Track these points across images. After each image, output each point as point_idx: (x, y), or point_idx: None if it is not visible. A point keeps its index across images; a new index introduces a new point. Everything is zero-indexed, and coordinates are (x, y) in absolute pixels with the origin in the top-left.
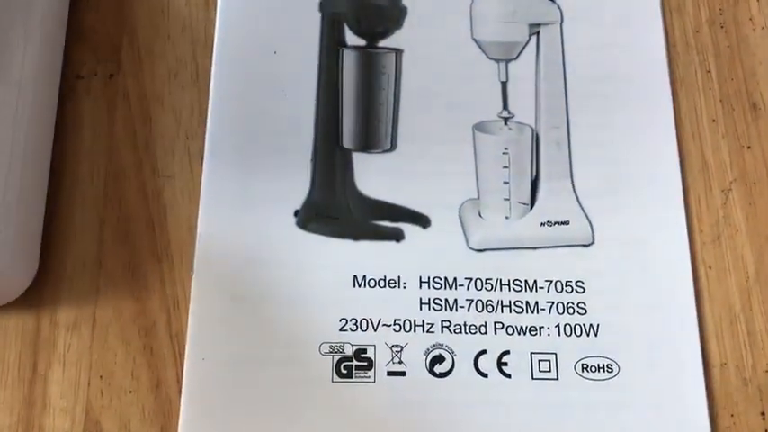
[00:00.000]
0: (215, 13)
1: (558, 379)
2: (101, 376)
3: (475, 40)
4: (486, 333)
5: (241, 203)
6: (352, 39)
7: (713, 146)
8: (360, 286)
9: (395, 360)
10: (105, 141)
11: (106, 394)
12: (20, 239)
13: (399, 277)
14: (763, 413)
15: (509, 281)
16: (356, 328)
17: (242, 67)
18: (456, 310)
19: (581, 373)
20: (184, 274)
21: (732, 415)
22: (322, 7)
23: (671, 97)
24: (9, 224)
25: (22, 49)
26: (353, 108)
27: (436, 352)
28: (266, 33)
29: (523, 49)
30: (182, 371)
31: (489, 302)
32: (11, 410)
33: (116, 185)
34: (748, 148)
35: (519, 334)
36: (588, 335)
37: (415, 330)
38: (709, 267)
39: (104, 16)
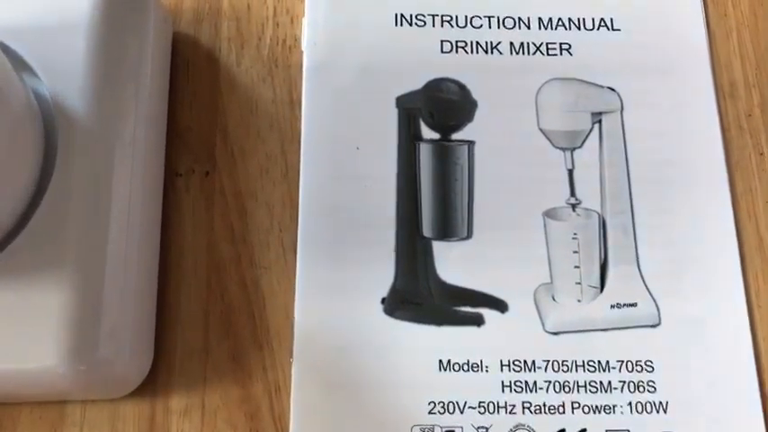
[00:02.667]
0: (299, 110)
1: None
2: None
3: (541, 129)
4: (564, 413)
5: (333, 292)
6: (427, 133)
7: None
8: (445, 370)
9: None
10: (205, 236)
11: None
12: (137, 335)
13: (481, 361)
14: None
15: (583, 362)
16: (444, 411)
17: (328, 162)
18: (536, 391)
19: None
20: (284, 361)
21: None
22: (398, 103)
23: (727, 180)
24: (128, 322)
25: (131, 150)
26: (431, 198)
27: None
28: (348, 129)
29: (587, 137)
30: None
31: (566, 383)
32: None
33: (217, 277)
34: None
35: (594, 413)
36: (658, 412)
37: (498, 412)
38: None
39: (199, 116)
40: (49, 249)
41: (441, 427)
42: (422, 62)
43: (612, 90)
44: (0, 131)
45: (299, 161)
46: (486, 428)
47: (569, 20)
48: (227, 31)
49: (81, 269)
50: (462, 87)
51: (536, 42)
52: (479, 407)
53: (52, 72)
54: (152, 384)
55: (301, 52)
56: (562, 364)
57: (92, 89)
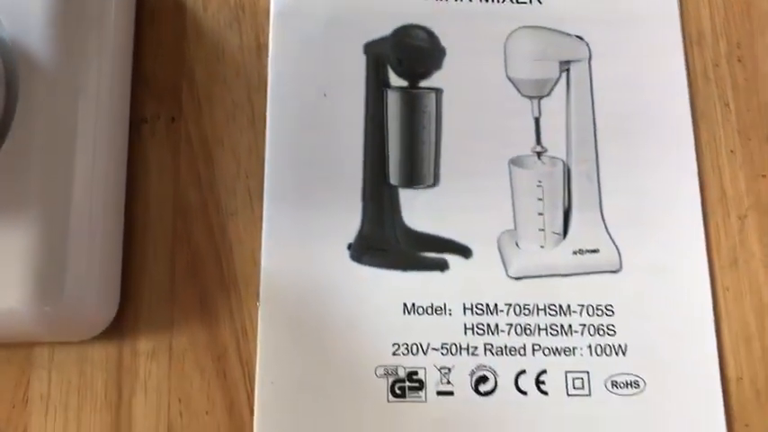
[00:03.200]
0: (266, 57)
1: (590, 395)
2: (179, 400)
3: (509, 77)
4: (525, 354)
5: (299, 238)
6: (395, 80)
7: (731, 175)
8: (409, 314)
9: (443, 381)
10: (171, 182)
11: (185, 416)
12: (104, 278)
13: (445, 304)
14: None
15: (545, 306)
16: (408, 352)
17: (294, 109)
18: (497, 334)
19: (611, 390)
20: (251, 305)
21: (747, 425)
22: (367, 49)
23: (692, 130)
24: (93, 264)
25: (95, 95)
26: (398, 146)
27: (480, 373)
28: (316, 75)
29: (555, 85)
30: (252, 393)
31: (527, 326)
32: None
33: (184, 223)
34: (763, 176)
35: (555, 355)
36: (617, 354)
37: (460, 353)
38: (727, 289)
39: (165, 62)
40: (12, 193)
41: (404, 368)
42: (391, 9)
43: (581, 39)
44: None
45: (265, 108)
46: (449, 369)
47: None
48: None
49: (45, 212)
50: (431, 34)
51: None
52: (442, 348)
53: (12, 16)
54: (119, 327)
55: None
56: (524, 308)
57: (53, 34)
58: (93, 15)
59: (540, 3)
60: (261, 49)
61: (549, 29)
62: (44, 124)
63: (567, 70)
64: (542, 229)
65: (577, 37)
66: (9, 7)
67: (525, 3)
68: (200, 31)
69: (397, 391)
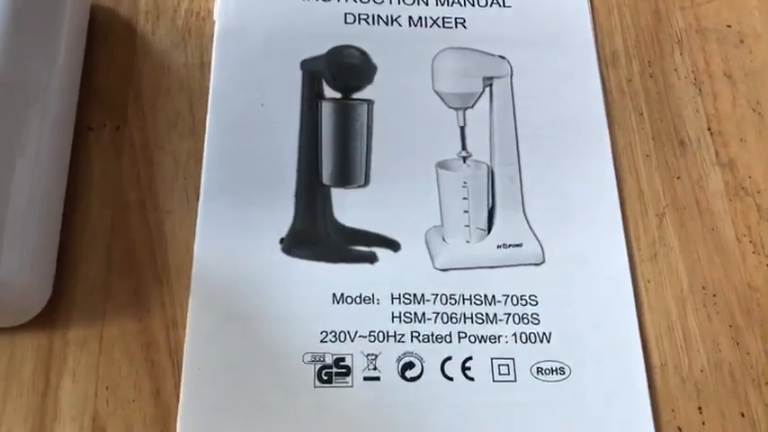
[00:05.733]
0: (209, 72)
1: (515, 381)
2: (107, 387)
3: (436, 91)
4: (451, 342)
5: (233, 233)
6: (329, 93)
7: (647, 177)
8: (338, 303)
9: (370, 367)
10: (113, 182)
11: (111, 403)
12: (37, 265)
13: (373, 294)
14: (699, 408)
15: (470, 296)
16: (335, 340)
17: (233, 117)
18: (424, 322)
19: (536, 376)
20: (182, 297)
21: (672, 410)
22: (303, 66)
23: (608, 137)
24: (28, 251)
25: (42, 105)
26: (331, 150)
27: (407, 359)
28: (254, 88)
29: (479, 98)
30: (179, 381)
31: (453, 315)
32: (25, 419)
33: (122, 220)
34: (678, 178)
35: (480, 342)
36: (542, 342)
37: (387, 340)
38: (648, 281)
39: (114, 77)
40: None
41: (331, 354)
42: (326, 31)
43: (503, 58)
44: None
45: (204, 117)
46: (375, 355)
47: None
48: (145, 5)
49: None
50: (363, 53)
51: (433, 17)
52: (370, 336)
53: None
54: (51, 316)
55: (213, 21)
56: (450, 298)
57: (3, 46)
58: (44, 30)
59: (466, 28)
60: (204, 66)
61: (474, 49)
62: None
63: (491, 85)
64: (467, 226)
65: (500, 56)
66: None
67: (451, 28)
68: (149, 51)
69: (324, 377)
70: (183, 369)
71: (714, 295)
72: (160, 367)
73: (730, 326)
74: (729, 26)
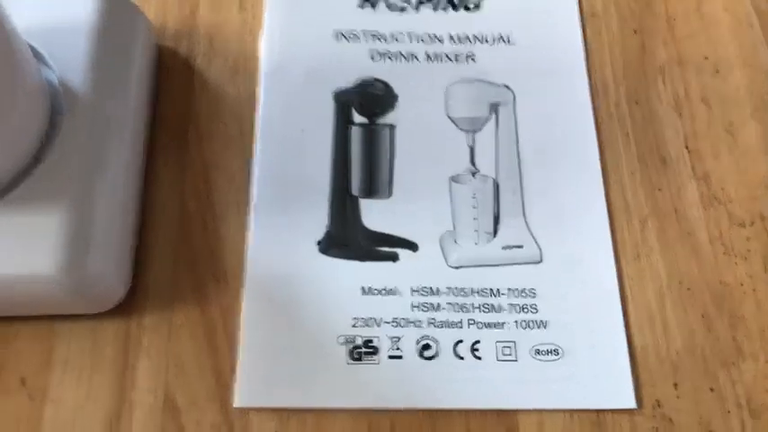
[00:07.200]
0: (255, 103)
1: (517, 361)
2: (175, 365)
3: (449, 116)
4: (461, 327)
5: (278, 237)
6: (358, 118)
7: (632, 190)
8: (366, 294)
9: (394, 348)
10: (177, 194)
11: (179, 378)
12: (119, 262)
13: (396, 287)
14: (675, 384)
15: (479, 289)
16: (364, 325)
17: (278, 141)
18: (439, 310)
19: (535, 356)
20: (235, 290)
21: (652, 386)
22: (335, 96)
23: (598, 154)
24: (112, 250)
25: (122, 131)
26: (360, 167)
27: (425, 342)
28: (295, 117)
29: (486, 122)
30: (234, 360)
31: (464, 305)
32: (110, 391)
33: (186, 226)
34: (659, 190)
35: (487, 328)
36: (540, 328)
37: (408, 326)
38: (632, 278)
39: (176, 107)
40: (54, 186)
41: (361, 337)
42: (355, 67)
43: (507, 87)
44: (21, 99)
45: (252, 142)
46: (398, 338)
47: (474, 36)
48: (202, 46)
49: (77, 203)
50: (386, 85)
51: (447, 53)
52: (393, 322)
53: (60, 62)
54: (128, 305)
55: (259, 61)
56: (461, 291)
57: (90, 78)
58: (122, 66)
59: (475, 61)
60: (251, 98)
61: (482, 80)
62: (81, 140)
63: (496, 110)
64: (476, 230)
65: (505, 86)
66: (57, 54)
67: (463, 62)
68: (205, 85)
69: (355, 356)
70: (239, 350)
71: (689, 289)
72: (218, 348)
73: (702, 316)
74: (707, 58)
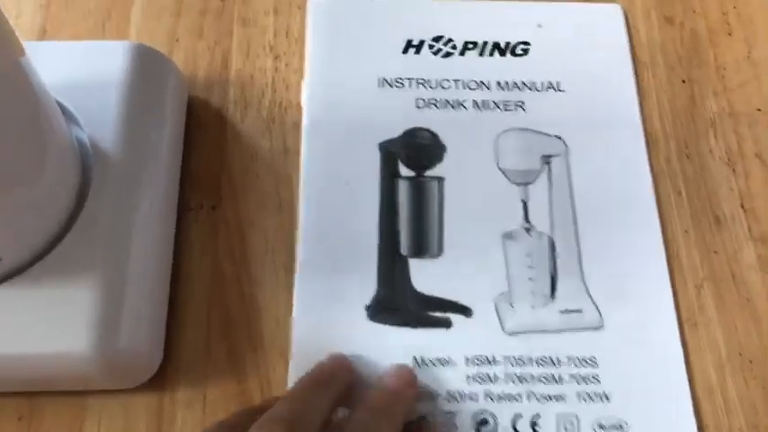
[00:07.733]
0: (292, 156)
1: None
2: None
3: (500, 168)
4: (520, 401)
5: (324, 302)
6: (404, 171)
7: (686, 251)
8: (419, 365)
9: (449, 424)
10: (211, 257)
11: None
12: (150, 335)
13: (450, 357)
14: None
15: (537, 358)
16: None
17: (322, 196)
18: (496, 382)
19: None
20: (275, 361)
21: None
22: (381, 147)
23: (657, 212)
24: (142, 322)
25: (151, 184)
26: (408, 223)
27: (481, 417)
28: (340, 169)
29: (539, 175)
30: None
31: (522, 376)
32: None
33: (220, 291)
34: (714, 252)
35: (547, 401)
36: (602, 401)
37: (464, 400)
38: (690, 348)
39: (208, 162)
40: (83, 256)
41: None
42: (400, 116)
43: (559, 138)
44: (51, 162)
45: (291, 197)
46: (454, 413)
47: (522, 83)
48: (234, 96)
49: (107, 274)
50: (434, 135)
51: (495, 101)
52: (448, 395)
53: (90, 122)
54: (161, 379)
55: (296, 110)
56: (519, 360)
57: (121, 136)
58: (152, 122)
59: (525, 110)
60: (287, 151)
61: (533, 130)
62: (111, 205)
63: (549, 162)
64: (533, 292)
65: (556, 136)
66: (87, 112)
67: (512, 110)
68: (238, 137)
69: None
70: None
71: (750, 362)
72: None
73: (763, 387)
74: (759, 109)
